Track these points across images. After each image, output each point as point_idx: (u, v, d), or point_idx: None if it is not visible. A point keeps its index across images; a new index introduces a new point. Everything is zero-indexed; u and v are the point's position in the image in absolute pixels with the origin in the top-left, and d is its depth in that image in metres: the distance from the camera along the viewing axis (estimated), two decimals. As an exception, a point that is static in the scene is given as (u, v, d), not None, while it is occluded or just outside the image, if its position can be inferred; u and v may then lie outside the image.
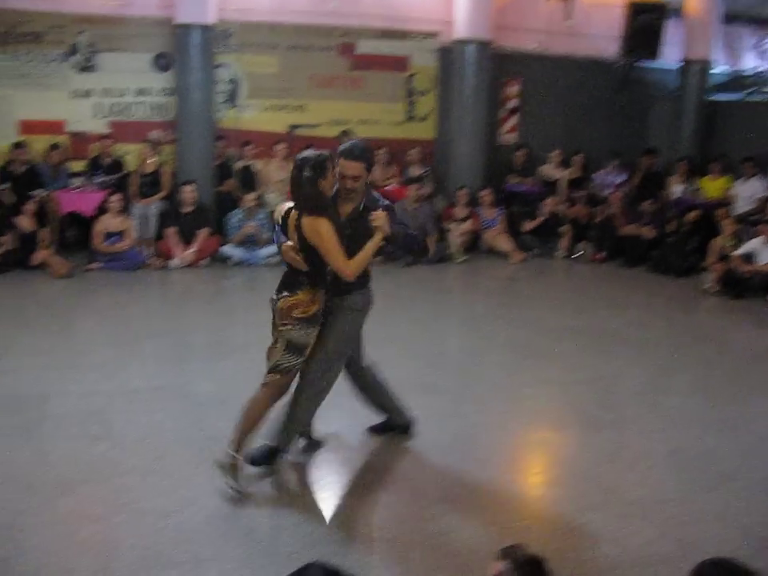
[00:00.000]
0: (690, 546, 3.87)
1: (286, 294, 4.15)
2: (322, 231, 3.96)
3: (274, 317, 4.22)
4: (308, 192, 3.98)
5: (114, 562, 3.53)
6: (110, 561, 3.54)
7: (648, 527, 4.05)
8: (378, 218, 4.12)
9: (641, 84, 12.33)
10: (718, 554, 3.48)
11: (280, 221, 4.30)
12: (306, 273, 4.13)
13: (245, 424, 4.25)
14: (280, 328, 4.16)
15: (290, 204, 4.22)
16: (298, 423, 4.51)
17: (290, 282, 4.19)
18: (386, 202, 4.32)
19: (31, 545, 3.63)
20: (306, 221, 4.01)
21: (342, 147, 4.25)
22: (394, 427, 4.93)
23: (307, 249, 4.06)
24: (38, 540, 3.67)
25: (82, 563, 3.52)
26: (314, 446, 4.75)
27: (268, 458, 4.44)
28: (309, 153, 4.10)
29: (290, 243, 4.20)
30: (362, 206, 4.28)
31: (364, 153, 4.21)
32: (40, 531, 3.74)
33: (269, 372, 4.25)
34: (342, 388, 4.77)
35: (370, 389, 4.81)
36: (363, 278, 4.37)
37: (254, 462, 4.39)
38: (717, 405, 5.79)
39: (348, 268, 4.06)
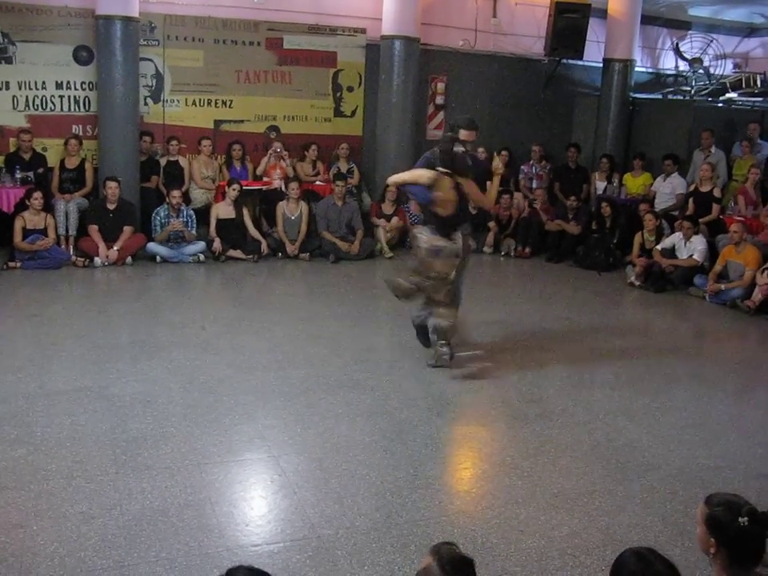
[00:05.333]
0: (614, 536, 3.96)
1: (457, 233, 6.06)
2: (475, 187, 6.04)
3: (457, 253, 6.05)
4: (464, 163, 5.93)
5: (34, 571, 3.43)
6: (29, 569, 3.44)
7: (573, 518, 4.13)
8: (498, 164, 6.25)
9: (565, 82, 12.55)
10: (639, 542, 3.59)
11: (428, 183, 5.95)
12: (460, 216, 6.10)
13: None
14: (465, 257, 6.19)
15: (433, 173, 5.91)
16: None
17: (455, 223, 6.06)
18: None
19: (-55, 555, 3.51)
20: (464, 181, 5.94)
21: (462, 121, 6.18)
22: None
23: (462, 199, 6.03)
24: (-48, 550, 3.55)
25: (-1, 572, 3.41)
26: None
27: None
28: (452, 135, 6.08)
29: (439, 194, 5.93)
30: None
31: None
32: (-45, 540, 3.61)
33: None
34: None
35: None
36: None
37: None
38: (639, 396, 5.93)
39: (491, 203, 6.87)
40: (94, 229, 9.14)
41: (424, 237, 6.07)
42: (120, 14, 9.42)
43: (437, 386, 5.95)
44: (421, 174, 6.03)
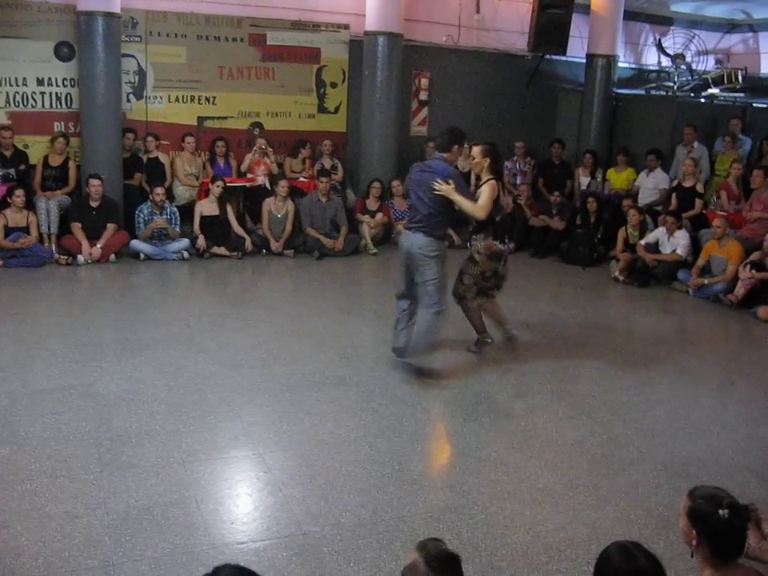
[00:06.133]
0: (599, 530, 3.98)
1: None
2: None
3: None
4: None
5: (18, 571, 3.41)
6: (13, 570, 3.42)
7: (558, 513, 4.15)
8: None
9: (549, 78, 12.57)
10: (624, 535, 3.61)
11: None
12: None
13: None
14: None
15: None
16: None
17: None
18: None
19: (-72, 556, 3.48)
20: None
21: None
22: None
23: None
24: (-65, 550, 3.52)
25: (-18, 573, 3.39)
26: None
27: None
28: None
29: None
30: None
31: None
32: (-63, 541, 3.59)
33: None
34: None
35: None
36: None
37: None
38: (624, 391, 5.96)
39: None
40: (77, 226, 9.08)
41: (491, 243, 6.23)
42: (101, 10, 9.34)
43: (421, 383, 5.95)
44: (496, 190, 6.03)
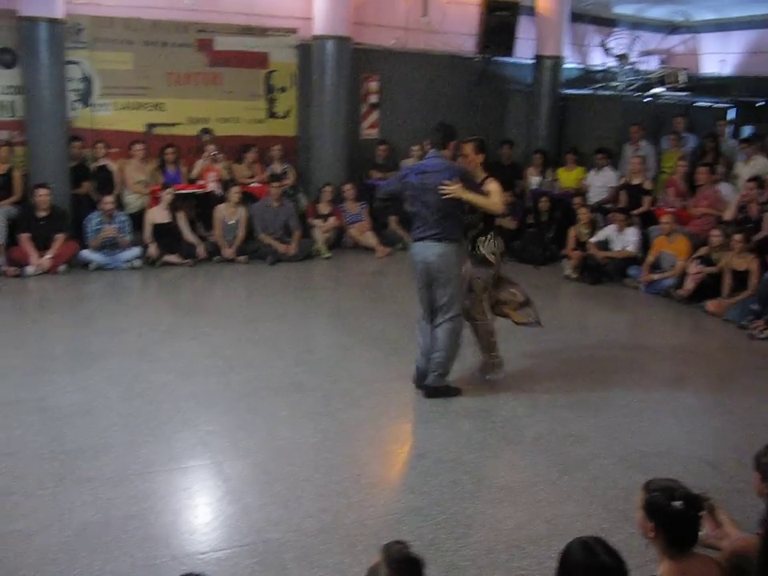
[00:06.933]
0: (559, 526, 4.02)
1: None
2: None
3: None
4: None
5: (-28, 591, 3.34)
6: (-33, 589, 3.34)
7: (518, 511, 4.18)
8: None
9: (497, 79, 12.68)
10: (584, 530, 3.64)
11: None
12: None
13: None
14: None
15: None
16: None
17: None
18: None
19: None
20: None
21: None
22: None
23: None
24: None
25: (-65, 595, 3.31)
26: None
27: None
28: None
29: None
30: None
31: None
32: None
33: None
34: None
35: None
36: None
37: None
38: (579, 387, 6.03)
39: None
40: (25, 237, 8.90)
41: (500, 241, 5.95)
42: (44, 16, 9.18)
43: (378, 386, 5.95)
44: (501, 186, 5.73)
